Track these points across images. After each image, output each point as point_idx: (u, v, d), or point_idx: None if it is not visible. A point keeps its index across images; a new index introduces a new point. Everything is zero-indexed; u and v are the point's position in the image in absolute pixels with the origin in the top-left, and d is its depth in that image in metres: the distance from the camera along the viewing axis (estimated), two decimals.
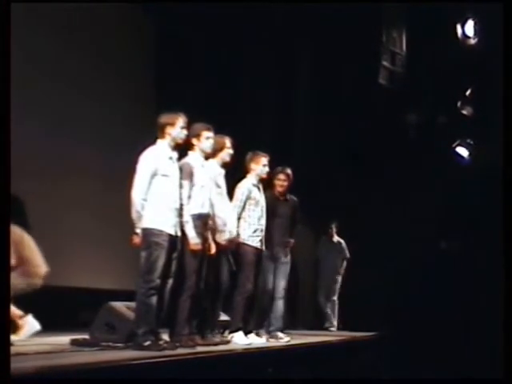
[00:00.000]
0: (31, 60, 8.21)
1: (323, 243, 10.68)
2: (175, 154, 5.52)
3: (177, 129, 5.48)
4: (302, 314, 10.83)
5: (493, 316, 8.02)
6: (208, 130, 5.92)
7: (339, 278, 10.45)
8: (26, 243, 5.96)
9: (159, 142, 5.48)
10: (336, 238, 10.57)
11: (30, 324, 5.92)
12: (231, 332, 6.49)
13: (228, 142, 6.26)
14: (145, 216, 5.28)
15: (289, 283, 7.41)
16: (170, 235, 5.35)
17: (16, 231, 5.85)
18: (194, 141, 5.89)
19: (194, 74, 10.49)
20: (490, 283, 9.43)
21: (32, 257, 5.96)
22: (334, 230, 10.56)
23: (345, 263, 10.48)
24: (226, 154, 6.24)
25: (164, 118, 5.51)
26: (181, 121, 5.50)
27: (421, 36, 10.27)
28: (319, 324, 10.44)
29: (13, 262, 5.64)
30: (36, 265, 5.97)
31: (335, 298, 10.42)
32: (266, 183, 7.09)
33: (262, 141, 8.58)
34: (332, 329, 10.28)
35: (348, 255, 10.49)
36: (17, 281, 5.56)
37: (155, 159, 5.35)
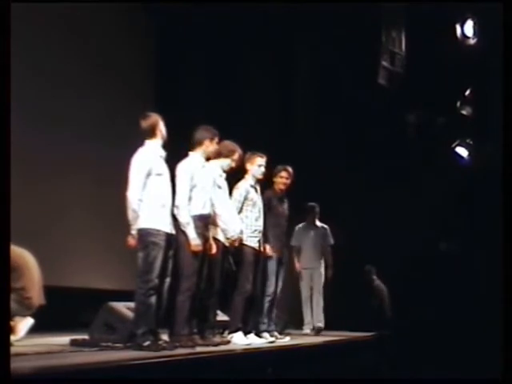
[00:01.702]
0: (31, 60, 8.22)
1: (304, 228, 9.40)
2: (164, 153, 5.56)
3: (163, 126, 5.54)
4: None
5: (492, 316, 8.02)
6: (217, 135, 5.97)
7: (321, 269, 9.18)
8: (26, 271, 5.89)
9: (148, 142, 5.51)
10: (319, 223, 9.39)
11: (23, 321, 5.90)
12: (231, 332, 6.49)
13: (237, 153, 6.29)
14: (141, 216, 5.30)
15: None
16: (167, 234, 5.37)
17: (19, 255, 5.82)
18: (207, 142, 5.90)
19: (194, 74, 10.50)
20: (489, 283, 9.43)
21: (28, 287, 5.86)
22: (317, 213, 9.35)
23: (329, 250, 9.28)
24: (227, 164, 6.27)
25: (151, 120, 5.53)
26: (160, 120, 5.57)
27: (420, 36, 10.27)
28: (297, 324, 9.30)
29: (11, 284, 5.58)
30: (30, 297, 5.85)
31: (319, 292, 9.13)
32: (265, 183, 7.08)
33: (260, 141, 8.57)
34: (308, 330, 9.06)
35: (332, 242, 9.31)
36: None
37: (149, 158, 5.39)
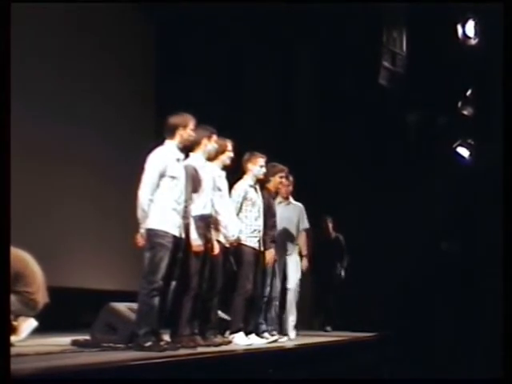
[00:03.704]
0: (31, 60, 8.21)
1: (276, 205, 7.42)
2: (182, 156, 5.51)
3: (188, 131, 5.48)
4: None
5: (493, 316, 8.03)
6: (216, 134, 5.96)
7: (296, 255, 7.73)
8: (30, 273, 5.90)
9: (167, 142, 5.46)
10: (294, 201, 7.85)
11: (26, 322, 5.91)
12: (232, 333, 6.49)
13: (229, 145, 6.27)
14: (150, 217, 5.26)
15: None
16: (175, 237, 5.33)
17: (20, 258, 5.84)
18: (205, 140, 5.88)
19: (194, 74, 10.51)
20: (490, 283, 9.43)
21: (33, 289, 5.87)
22: (291, 183, 7.71)
23: (304, 235, 7.82)
24: (227, 157, 6.26)
25: (176, 119, 5.48)
26: (192, 123, 5.51)
27: (421, 36, 10.28)
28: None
29: (12, 288, 5.58)
30: (35, 298, 5.88)
31: (296, 284, 7.64)
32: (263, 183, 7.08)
33: (260, 141, 8.58)
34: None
35: (308, 225, 7.86)
36: (13, 307, 5.52)
37: (164, 160, 5.32)
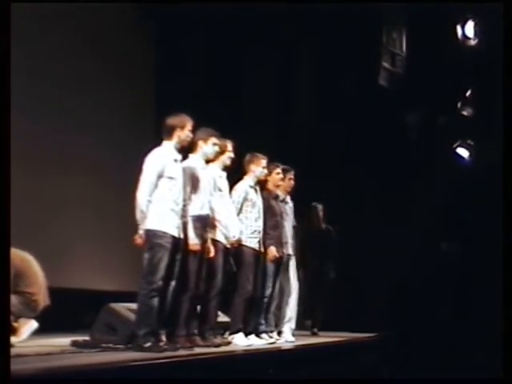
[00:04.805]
0: (31, 61, 8.21)
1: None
2: (180, 157, 5.53)
3: (185, 132, 5.49)
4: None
5: (493, 316, 8.02)
6: (216, 136, 5.95)
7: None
8: (32, 274, 5.90)
9: (165, 143, 5.47)
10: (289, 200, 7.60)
11: (27, 323, 5.91)
12: (231, 333, 6.49)
13: (230, 145, 6.28)
14: (149, 217, 5.26)
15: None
16: (174, 237, 5.34)
17: (24, 258, 5.84)
18: (201, 143, 5.89)
19: (194, 74, 10.51)
20: (490, 283, 9.43)
21: (34, 290, 5.89)
22: (293, 179, 7.50)
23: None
24: (227, 157, 6.27)
25: (174, 120, 5.49)
26: (189, 124, 5.51)
27: (421, 37, 10.28)
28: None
29: (13, 288, 5.58)
30: (36, 300, 5.90)
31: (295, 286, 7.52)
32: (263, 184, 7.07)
33: (261, 141, 8.58)
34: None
35: (295, 223, 7.66)
36: (14, 308, 5.52)
37: (161, 160, 5.34)
